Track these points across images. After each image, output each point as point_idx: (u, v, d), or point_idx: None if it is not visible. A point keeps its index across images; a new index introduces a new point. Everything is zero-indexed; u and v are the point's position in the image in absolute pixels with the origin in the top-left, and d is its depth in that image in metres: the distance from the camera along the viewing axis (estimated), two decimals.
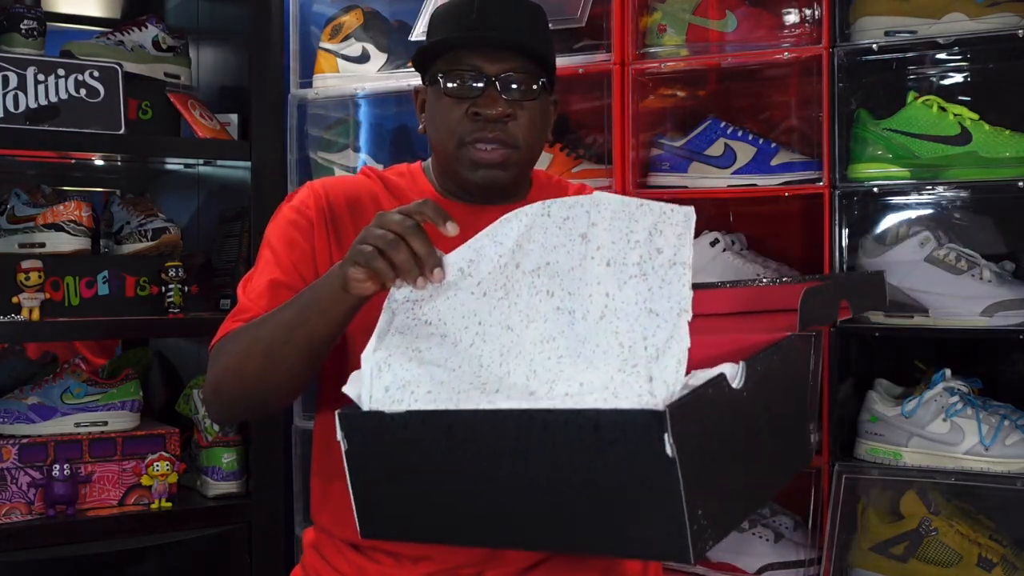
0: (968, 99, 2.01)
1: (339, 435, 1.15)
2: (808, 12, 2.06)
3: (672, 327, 1.06)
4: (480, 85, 1.45)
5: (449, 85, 1.46)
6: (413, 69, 1.56)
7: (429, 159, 1.60)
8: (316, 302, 1.30)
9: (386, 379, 1.16)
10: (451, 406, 1.12)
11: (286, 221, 1.51)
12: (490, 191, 1.51)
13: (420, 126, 1.56)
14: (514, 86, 1.45)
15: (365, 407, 1.16)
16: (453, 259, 1.19)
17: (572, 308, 1.13)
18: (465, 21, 1.45)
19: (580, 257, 1.14)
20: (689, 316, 1.06)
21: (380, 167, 1.65)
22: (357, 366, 1.44)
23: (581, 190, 1.65)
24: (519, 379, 1.13)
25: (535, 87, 1.47)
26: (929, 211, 2.10)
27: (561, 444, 1.03)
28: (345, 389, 1.18)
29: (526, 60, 1.46)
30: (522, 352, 1.15)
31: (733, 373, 1.08)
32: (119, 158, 2.52)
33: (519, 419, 1.05)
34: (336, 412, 1.16)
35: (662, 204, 1.12)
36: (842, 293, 1.35)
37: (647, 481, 0.99)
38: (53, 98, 2.18)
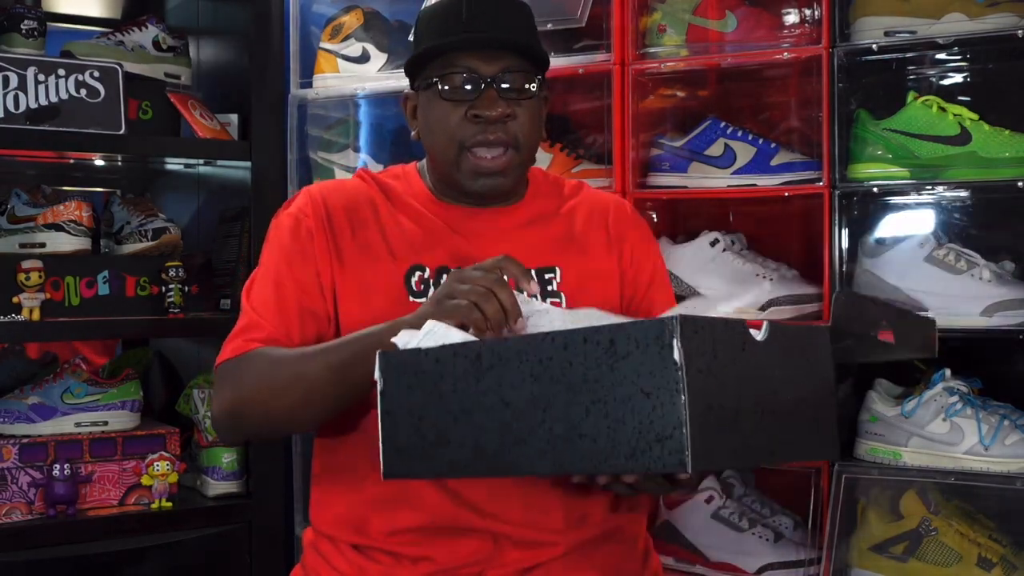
0: (968, 99, 2.00)
1: (376, 374, 1.19)
2: (808, 12, 2.06)
3: None
4: (478, 87, 1.44)
5: (445, 88, 1.45)
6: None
7: (424, 160, 1.59)
8: (374, 349, 1.28)
9: (439, 336, 1.21)
10: None
11: (286, 231, 1.51)
12: (489, 197, 1.51)
13: (413, 132, 1.55)
14: (512, 85, 1.45)
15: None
16: (540, 324, 1.27)
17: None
18: (455, 22, 1.44)
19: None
20: None
21: (381, 167, 1.64)
22: None
23: (578, 188, 1.65)
24: None
25: (531, 85, 1.47)
26: (929, 211, 2.10)
27: (578, 363, 1.07)
28: (394, 339, 1.23)
29: (520, 58, 1.46)
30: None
31: (758, 331, 1.13)
32: (119, 158, 2.52)
33: (543, 342, 1.10)
34: (377, 352, 1.20)
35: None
36: (885, 316, 1.33)
37: (654, 391, 1.02)
38: (53, 98, 2.19)
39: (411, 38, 1.56)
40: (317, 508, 1.54)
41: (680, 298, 2.04)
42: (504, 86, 1.44)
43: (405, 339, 1.23)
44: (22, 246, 2.22)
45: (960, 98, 2.01)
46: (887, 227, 2.08)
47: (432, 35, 1.47)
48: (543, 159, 2.24)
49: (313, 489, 1.56)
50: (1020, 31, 1.84)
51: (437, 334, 1.21)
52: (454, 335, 1.21)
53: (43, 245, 2.21)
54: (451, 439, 1.16)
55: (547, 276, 1.52)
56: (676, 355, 1.01)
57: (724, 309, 2.06)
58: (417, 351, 1.19)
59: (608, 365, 1.05)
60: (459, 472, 1.17)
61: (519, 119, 1.46)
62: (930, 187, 1.98)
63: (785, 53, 2.04)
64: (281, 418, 1.41)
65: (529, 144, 1.49)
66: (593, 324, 1.28)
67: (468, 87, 1.44)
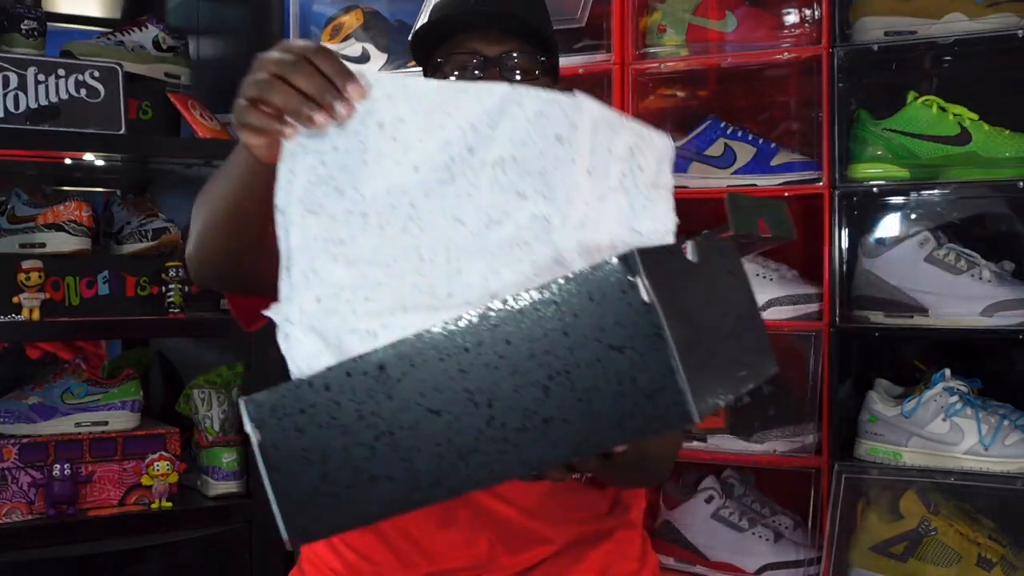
0: (968, 99, 2.01)
1: (247, 426, 0.96)
2: (808, 12, 2.06)
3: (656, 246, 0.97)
4: (480, 69, 1.43)
5: (448, 69, 1.44)
6: (413, 68, 1.55)
7: None
8: (236, 174, 1.14)
9: (315, 288, 0.99)
10: (398, 323, 0.96)
11: None
12: None
13: None
14: (515, 67, 1.44)
15: (297, 327, 0.99)
16: (374, 110, 0.98)
17: (548, 213, 0.99)
18: (462, 5, 1.44)
19: (555, 159, 0.99)
20: (672, 239, 1.01)
21: None
22: None
23: None
24: (475, 279, 0.97)
25: (535, 68, 1.46)
26: (929, 211, 2.10)
27: (518, 339, 0.88)
28: (268, 312, 1.00)
29: (525, 41, 1.45)
30: (482, 250, 0.99)
31: (687, 253, 0.98)
32: (119, 158, 2.52)
33: (458, 327, 0.90)
34: (240, 399, 0.98)
35: (642, 127, 1.05)
36: (758, 212, 1.27)
37: (627, 343, 0.85)
38: (53, 98, 2.19)
39: (419, 22, 1.54)
40: None
41: None
42: (507, 68, 1.43)
43: (282, 313, 0.99)
44: (22, 246, 2.22)
45: (960, 98, 2.01)
46: (887, 227, 2.08)
47: (438, 15, 1.46)
48: None
49: None
50: (1020, 31, 1.84)
51: (310, 282, 0.97)
52: (323, 271, 0.97)
53: (43, 245, 2.21)
54: (373, 474, 0.92)
55: None
56: (644, 295, 0.84)
57: None
58: (296, 385, 0.94)
59: (560, 331, 0.86)
60: (397, 509, 0.95)
61: None
62: (930, 187, 1.98)
63: (785, 53, 2.04)
64: (217, 251, 1.25)
65: None
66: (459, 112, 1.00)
67: (470, 68, 1.44)
